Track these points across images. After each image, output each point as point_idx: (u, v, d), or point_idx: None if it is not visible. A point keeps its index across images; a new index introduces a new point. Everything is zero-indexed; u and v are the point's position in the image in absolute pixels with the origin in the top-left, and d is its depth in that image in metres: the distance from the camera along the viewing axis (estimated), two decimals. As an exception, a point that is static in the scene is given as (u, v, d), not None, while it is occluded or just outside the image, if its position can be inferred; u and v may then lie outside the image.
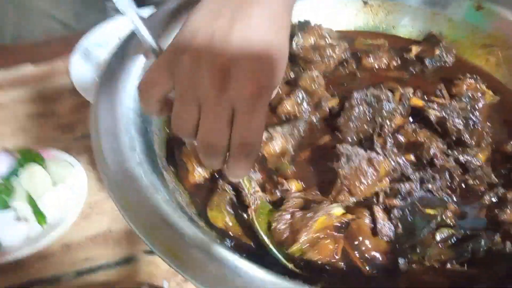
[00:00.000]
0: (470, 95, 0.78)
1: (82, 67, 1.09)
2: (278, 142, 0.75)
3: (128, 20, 0.59)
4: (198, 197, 0.70)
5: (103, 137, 0.64)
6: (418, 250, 0.59)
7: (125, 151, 0.62)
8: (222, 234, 0.62)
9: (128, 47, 0.78)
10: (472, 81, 0.81)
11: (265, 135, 0.76)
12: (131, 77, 0.73)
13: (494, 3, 0.90)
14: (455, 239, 0.60)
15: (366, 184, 0.65)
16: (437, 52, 0.90)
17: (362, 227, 0.60)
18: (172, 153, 0.74)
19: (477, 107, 0.76)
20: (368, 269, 0.58)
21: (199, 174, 0.72)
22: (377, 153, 0.70)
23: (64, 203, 0.81)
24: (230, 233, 0.63)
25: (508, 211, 0.63)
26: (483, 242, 0.57)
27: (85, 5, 1.37)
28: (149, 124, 0.72)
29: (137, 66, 0.75)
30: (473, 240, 0.58)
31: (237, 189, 0.67)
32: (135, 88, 0.73)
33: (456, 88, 0.81)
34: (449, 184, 0.67)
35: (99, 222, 0.82)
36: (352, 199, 0.66)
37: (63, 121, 1.02)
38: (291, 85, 0.85)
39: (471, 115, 0.74)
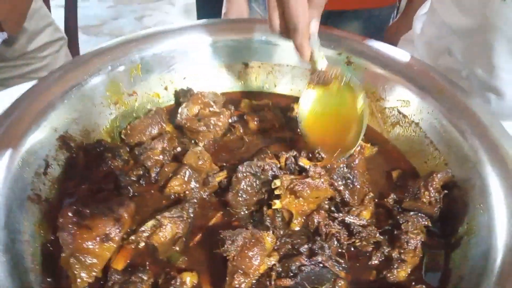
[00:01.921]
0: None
1: None
2: (167, 229, 0.71)
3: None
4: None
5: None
6: (315, 332, 0.58)
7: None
8: None
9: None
10: None
11: (152, 223, 0.72)
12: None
13: (361, 57, 0.95)
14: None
15: (256, 259, 0.63)
16: (318, 108, 0.94)
17: None
18: (51, 261, 0.67)
19: (353, 165, 0.78)
20: None
21: (81, 279, 0.65)
22: (267, 227, 0.70)
23: None
24: None
25: (395, 271, 0.65)
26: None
27: None
28: (17, 234, 0.65)
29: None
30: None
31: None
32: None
33: None
34: (338, 250, 0.68)
35: None
36: (248, 281, 0.64)
37: None
38: (179, 160, 0.83)
39: (348, 174, 0.76)
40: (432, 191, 0.74)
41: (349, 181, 0.75)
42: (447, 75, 0.88)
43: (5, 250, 0.61)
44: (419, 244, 0.68)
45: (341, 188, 0.75)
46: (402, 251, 0.67)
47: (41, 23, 1.31)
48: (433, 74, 0.89)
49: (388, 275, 0.65)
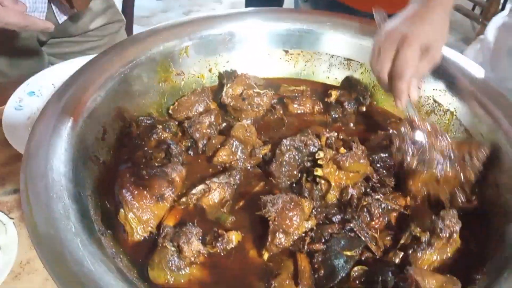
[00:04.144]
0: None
1: (15, 119, 1.04)
2: (215, 193, 0.77)
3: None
4: (138, 257, 0.70)
5: (34, 207, 0.62)
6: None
7: (59, 221, 0.61)
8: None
9: (56, 108, 0.77)
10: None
11: (202, 187, 0.78)
12: (61, 142, 0.72)
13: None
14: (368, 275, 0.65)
15: (295, 219, 0.68)
16: (354, 95, 0.98)
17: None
18: (109, 216, 0.73)
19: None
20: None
21: (137, 233, 0.71)
22: (305, 197, 0.74)
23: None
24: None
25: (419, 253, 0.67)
26: (390, 275, 0.62)
27: (21, 53, 1.32)
28: (82, 188, 0.71)
29: (67, 130, 0.74)
30: (381, 271, 0.63)
31: (177, 245, 0.68)
32: (65, 152, 0.72)
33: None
34: (368, 220, 0.73)
35: (30, 282, 0.77)
36: (288, 240, 0.69)
37: (-6, 174, 0.96)
38: (224, 134, 0.89)
39: (386, 158, 0.81)
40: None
41: (386, 162, 0.80)
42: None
43: (74, 200, 0.66)
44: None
45: (378, 166, 0.79)
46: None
47: (104, 4, 1.39)
48: (468, 63, 0.93)
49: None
